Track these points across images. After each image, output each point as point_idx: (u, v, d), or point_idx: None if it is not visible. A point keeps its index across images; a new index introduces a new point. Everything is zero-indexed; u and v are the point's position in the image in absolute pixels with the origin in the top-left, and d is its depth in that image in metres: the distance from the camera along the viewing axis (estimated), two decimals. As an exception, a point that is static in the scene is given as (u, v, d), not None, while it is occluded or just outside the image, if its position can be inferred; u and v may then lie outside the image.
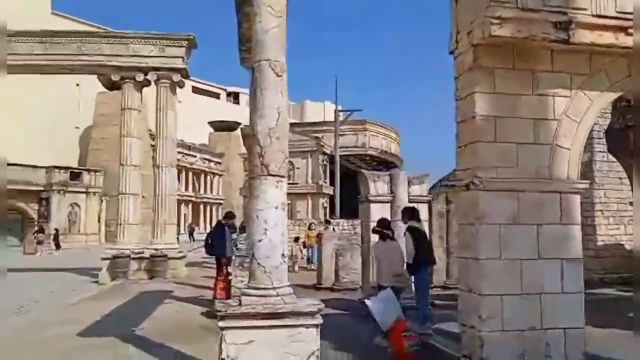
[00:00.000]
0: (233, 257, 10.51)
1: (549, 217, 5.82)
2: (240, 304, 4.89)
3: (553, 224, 5.83)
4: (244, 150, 56.19)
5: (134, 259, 15.19)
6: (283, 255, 5.13)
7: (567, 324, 5.73)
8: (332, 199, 40.83)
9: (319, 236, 14.01)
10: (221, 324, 4.81)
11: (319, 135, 40.89)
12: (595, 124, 9.86)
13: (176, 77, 16.01)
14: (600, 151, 15.70)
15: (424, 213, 9.88)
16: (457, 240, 6.18)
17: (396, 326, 6.73)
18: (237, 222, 13.29)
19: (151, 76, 15.88)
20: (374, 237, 9.40)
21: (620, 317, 8.04)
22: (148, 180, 45.24)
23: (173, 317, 9.30)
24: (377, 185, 9.64)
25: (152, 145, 42.17)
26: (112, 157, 42.46)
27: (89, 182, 40.68)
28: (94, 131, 44.39)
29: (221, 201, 60.27)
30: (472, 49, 5.79)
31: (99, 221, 42.08)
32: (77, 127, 47.89)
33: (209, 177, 58.15)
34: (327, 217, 27.79)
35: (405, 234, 8.28)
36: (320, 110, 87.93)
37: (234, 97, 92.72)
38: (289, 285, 5.14)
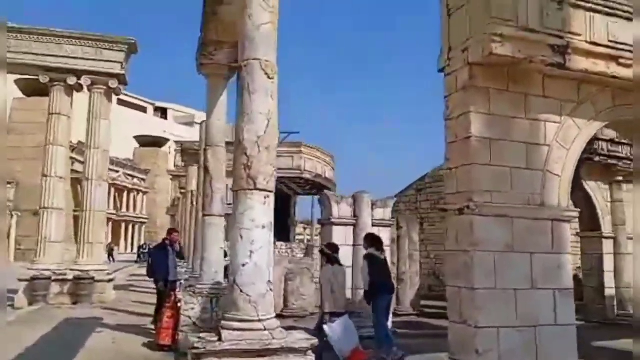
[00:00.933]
0: (181, 282, 9.60)
1: (541, 245, 5.60)
2: (220, 339, 4.18)
3: (545, 253, 5.61)
4: (172, 167, 54.20)
5: (55, 280, 13.64)
6: (269, 281, 4.48)
7: (561, 359, 5.48)
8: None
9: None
10: (198, 363, 4.07)
11: (253, 155, 40.15)
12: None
13: (113, 83, 14.81)
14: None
15: (386, 237, 9.51)
16: (447, 268, 5.81)
17: (354, 356, 6.34)
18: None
19: (84, 80, 14.59)
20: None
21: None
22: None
23: (111, 349, 8.22)
24: (341, 208, 9.19)
25: (70, 158, 39.58)
26: (25, 168, 39.28)
27: (-2, 195, 37.17)
28: (7, 140, 40.81)
29: (144, 220, 57.48)
30: (467, 67, 5.52)
31: (8, 238, 38.48)
32: (-12, 135, 43.94)
33: (132, 194, 55.34)
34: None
35: (363, 261, 8.17)
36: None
37: (162, 112, 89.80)
38: (276, 317, 4.50)
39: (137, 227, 56.75)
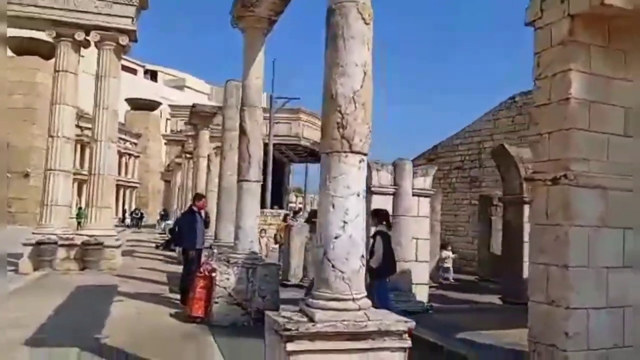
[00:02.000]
0: (214, 252, 9.07)
1: (634, 220, 5.14)
2: (312, 320, 3.67)
3: (638, 229, 5.16)
4: (165, 131, 53.05)
5: (62, 245, 13.06)
6: (362, 256, 3.96)
7: (651, 341, 5.10)
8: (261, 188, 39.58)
9: (287, 228, 12.78)
10: (291, 347, 3.56)
11: (251, 121, 39.28)
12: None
13: (123, 40, 13.93)
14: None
15: (426, 207, 9.04)
16: (532, 243, 5.33)
17: None
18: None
19: (93, 36, 13.69)
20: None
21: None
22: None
23: (138, 320, 7.72)
24: (380, 175, 8.64)
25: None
26: (15, 129, 38.11)
27: (-12, 156, 36.01)
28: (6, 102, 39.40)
29: (136, 184, 56.60)
30: (567, 20, 4.93)
31: (-3, 200, 37.49)
32: (-25, 94, 42.40)
33: (123, 159, 54.17)
34: (295, 208, 26.37)
35: (375, 237, 7.89)
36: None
37: (152, 75, 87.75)
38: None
39: (127, 191, 55.84)
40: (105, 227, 13.77)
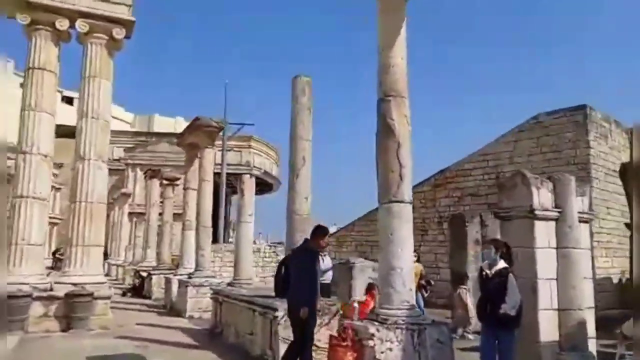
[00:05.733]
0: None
1: None
2: None
3: None
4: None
5: (38, 298, 9.72)
6: None
7: None
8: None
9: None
10: None
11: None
12: None
13: (118, 33, 11.01)
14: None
15: (586, 237, 7.06)
16: None
17: None
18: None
19: (80, 26, 10.72)
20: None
21: None
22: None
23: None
24: (541, 194, 6.56)
25: None
26: None
27: None
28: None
29: (58, 220, 50.51)
30: None
31: None
32: None
33: (44, 191, 48.23)
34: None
35: (507, 275, 5.86)
36: (170, 125, 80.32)
37: (67, 101, 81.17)
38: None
39: (51, 229, 49.63)
40: (94, 272, 10.55)
